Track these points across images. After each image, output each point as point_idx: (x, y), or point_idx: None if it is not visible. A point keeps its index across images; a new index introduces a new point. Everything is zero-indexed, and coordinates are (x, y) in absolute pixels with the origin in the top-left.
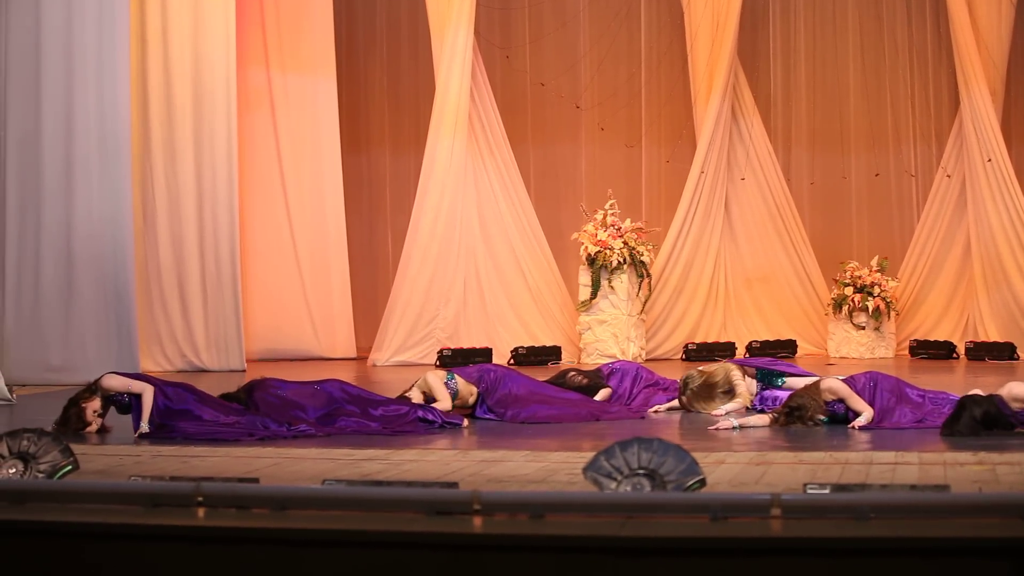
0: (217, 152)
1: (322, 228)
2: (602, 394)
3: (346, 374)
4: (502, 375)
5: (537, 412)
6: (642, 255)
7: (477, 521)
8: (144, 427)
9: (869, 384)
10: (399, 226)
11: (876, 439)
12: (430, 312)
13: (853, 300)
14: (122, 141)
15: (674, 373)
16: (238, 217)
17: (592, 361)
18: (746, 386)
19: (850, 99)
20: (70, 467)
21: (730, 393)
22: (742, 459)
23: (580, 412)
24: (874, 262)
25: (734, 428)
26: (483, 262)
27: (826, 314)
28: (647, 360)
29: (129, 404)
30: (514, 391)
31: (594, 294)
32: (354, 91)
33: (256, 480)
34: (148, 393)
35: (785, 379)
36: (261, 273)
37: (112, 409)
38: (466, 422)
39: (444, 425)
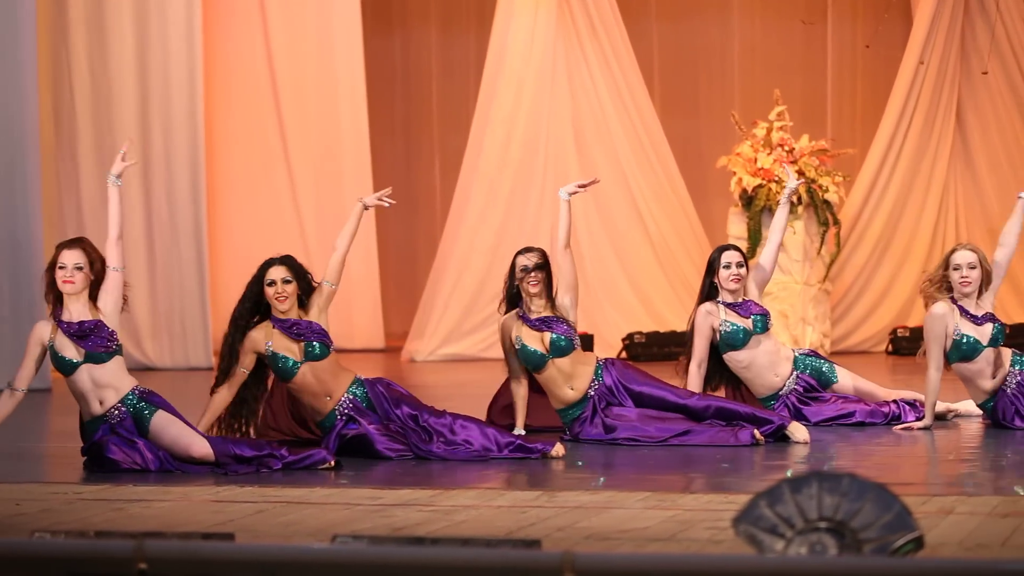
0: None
1: (333, 154)
2: None
3: (371, 372)
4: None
5: (660, 430)
6: (827, 191)
7: None
8: None
9: None
10: (451, 149)
11: None
12: (495, 283)
13: None
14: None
15: (876, 374)
16: (203, 150)
17: None
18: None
19: None
20: None
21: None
22: (982, 507)
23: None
24: None
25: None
26: (580, 203)
27: None
28: (833, 353)
29: None
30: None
31: (752, 252)
32: None
33: (231, 536)
34: None
35: None
36: (239, 227)
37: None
38: (559, 448)
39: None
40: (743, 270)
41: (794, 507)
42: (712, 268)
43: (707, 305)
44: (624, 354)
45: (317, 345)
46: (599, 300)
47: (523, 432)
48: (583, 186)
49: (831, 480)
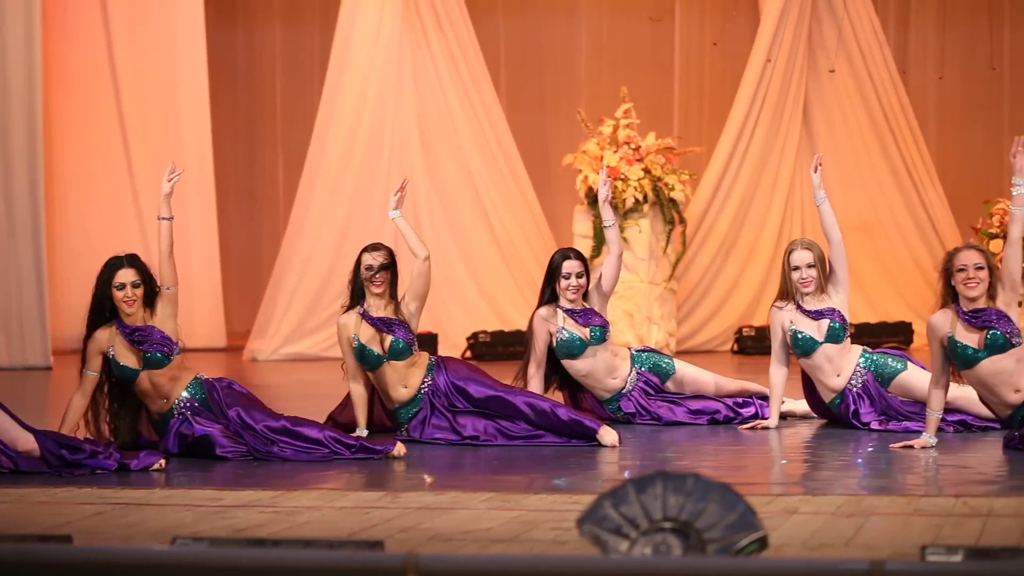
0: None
1: (174, 148)
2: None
3: (213, 372)
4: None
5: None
6: (673, 190)
7: None
8: None
9: None
10: (295, 145)
11: None
12: (339, 281)
13: (1003, 261)
14: None
15: (721, 373)
16: (42, 144)
17: None
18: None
19: None
20: None
21: None
22: (826, 506)
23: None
24: None
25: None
26: (425, 201)
27: None
28: (678, 352)
29: None
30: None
31: (597, 250)
32: None
33: (68, 539)
34: None
35: (904, 370)
36: (78, 222)
37: None
38: (400, 448)
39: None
40: (583, 280)
41: (638, 507)
42: (552, 275)
43: (544, 310)
44: (469, 353)
45: (157, 354)
46: (443, 299)
47: (365, 433)
48: (399, 193)
49: (676, 480)
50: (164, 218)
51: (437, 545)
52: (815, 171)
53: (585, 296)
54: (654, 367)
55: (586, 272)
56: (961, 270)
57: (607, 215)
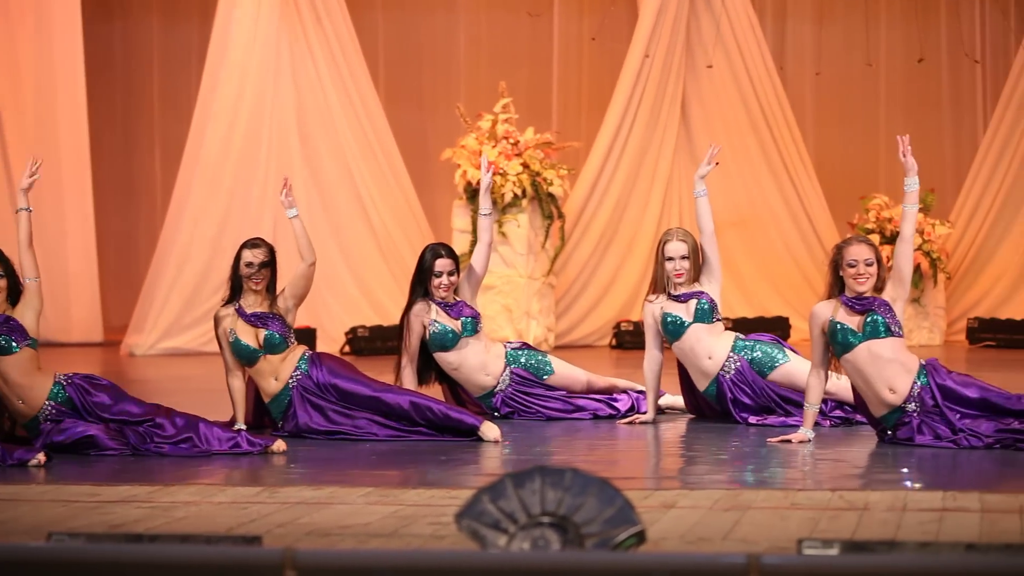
0: None
1: (50, 142)
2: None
3: (89, 367)
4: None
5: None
6: (551, 184)
7: None
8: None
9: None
10: (172, 140)
11: (914, 469)
12: (217, 276)
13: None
14: None
15: (600, 367)
16: None
17: None
18: None
19: None
20: None
21: None
22: (703, 500)
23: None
24: None
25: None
26: (303, 196)
27: None
28: (557, 347)
29: None
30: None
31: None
32: None
33: None
34: None
35: (786, 361)
36: None
37: None
38: (279, 443)
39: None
40: (455, 278)
41: (517, 502)
42: (424, 273)
43: (419, 304)
44: (347, 348)
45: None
46: (321, 293)
47: (243, 427)
48: (288, 194)
49: (554, 475)
50: (22, 209)
51: (315, 540)
52: (709, 164)
53: (456, 289)
54: (529, 365)
55: (456, 269)
56: (851, 265)
57: (485, 203)
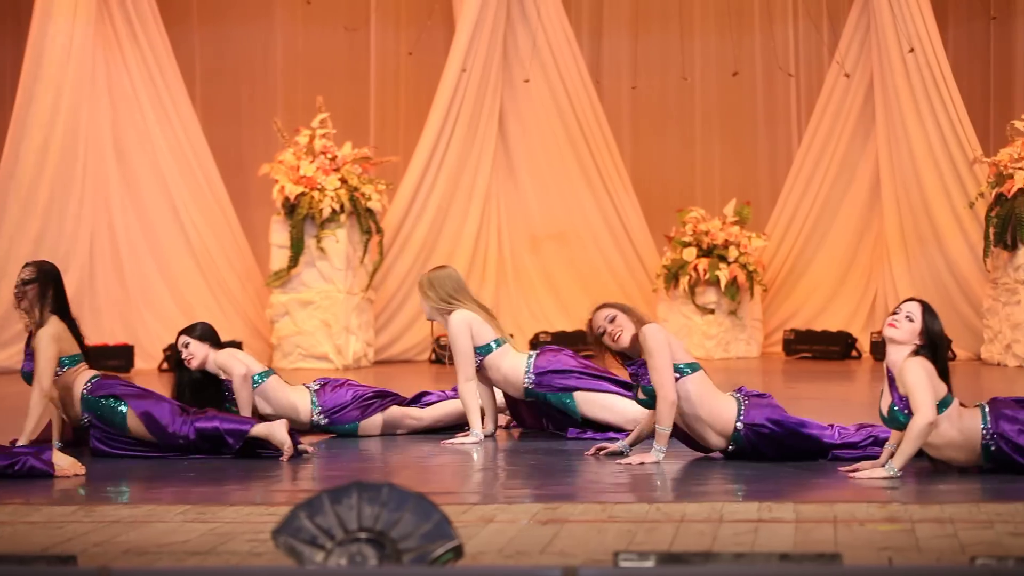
0: None
1: None
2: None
3: None
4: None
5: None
6: (370, 199)
7: None
8: None
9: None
10: None
11: (734, 482)
12: None
13: (696, 268)
14: None
15: (419, 383)
16: None
17: (291, 365)
18: None
19: None
20: None
21: None
22: (521, 514)
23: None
24: (729, 209)
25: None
26: (120, 211)
27: (654, 290)
28: (377, 362)
29: None
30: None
31: (295, 260)
32: None
33: None
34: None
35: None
36: None
37: None
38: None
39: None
40: None
41: (334, 518)
42: None
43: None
44: (165, 365)
45: None
46: (139, 309)
47: (25, 443)
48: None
49: (371, 490)
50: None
51: (131, 559)
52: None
53: None
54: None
55: None
56: (602, 332)
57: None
